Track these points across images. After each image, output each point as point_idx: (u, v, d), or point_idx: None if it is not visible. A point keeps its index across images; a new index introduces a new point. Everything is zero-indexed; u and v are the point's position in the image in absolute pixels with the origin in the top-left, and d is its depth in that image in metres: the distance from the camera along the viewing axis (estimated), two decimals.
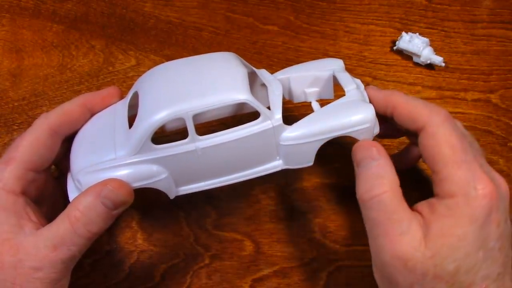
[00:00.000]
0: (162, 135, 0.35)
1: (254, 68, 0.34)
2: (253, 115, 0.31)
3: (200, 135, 0.30)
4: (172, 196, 0.33)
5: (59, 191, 0.35)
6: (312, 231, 0.39)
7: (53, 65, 0.50)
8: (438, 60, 0.47)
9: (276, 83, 0.34)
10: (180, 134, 0.32)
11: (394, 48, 0.49)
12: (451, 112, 0.30)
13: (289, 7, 0.54)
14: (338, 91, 0.35)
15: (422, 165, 0.41)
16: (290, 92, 0.37)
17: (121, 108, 0.34)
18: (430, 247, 0.26)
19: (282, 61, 0.49)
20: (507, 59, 0.49)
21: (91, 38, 0.52)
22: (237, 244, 0.39)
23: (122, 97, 0.36)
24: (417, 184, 0.39)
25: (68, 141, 0.34)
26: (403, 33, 0.48)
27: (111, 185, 0.29)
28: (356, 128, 0.31)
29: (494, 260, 0.26)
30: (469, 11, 0.53)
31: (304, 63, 0.38)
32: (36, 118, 0.33)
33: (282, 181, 0.41)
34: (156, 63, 0.49)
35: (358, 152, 0.30)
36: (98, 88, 0.48)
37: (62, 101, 0.46)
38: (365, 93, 0.34)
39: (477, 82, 0.47)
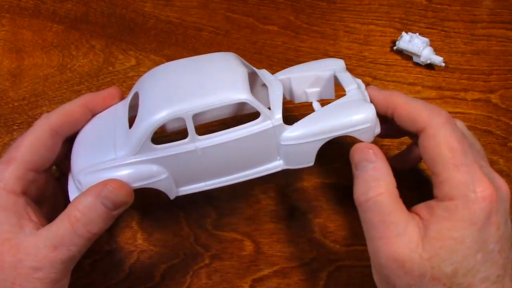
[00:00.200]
0: (162, 135, 0.35)
1: (254, 68, 0.34)
2: (253, 115, 0.31)
3: (200, 135, 0.30)
4: (172, 197, 0.33)
5: (59, 191, 0.35)
6: (312, 231, 0.39)
7: (53, 65, 0.50)
8: (438, 60, 0.47)
9: (277, 83, 0.34)
10: (180, 134, 0.32)
11: (394, 48, 0.49)
12: (451, 112, 0.30)
13: (289, 7, 0.54)
14: (339, 91, 0.35)
15: (423, 166, 0.41)
16: (291, 92, 0.37)
17: (121, 108, 0.34)
18: (428, 249, 0.26)
19: (282, 61, 0.49)
20: (507, 59, 0.49)
21: (91, 38, 0.52)
22: (237, 244, 0.39)
23: (123, 97, 0.36)
24: (417, 185, 0.39)
25: (69, 141, 0.34)
26: (403, 33, 0.48)
27: (111, 186, 0.29)
28: (357, 128, 0.31)
29: (494, 262, 0.26)
30: (469, 11, 0.53)
31: (305, 63, 0.38)
32: (36, 118, 0.33)
33: (282, 181, 0.41)
34: (156, 63, 0.49)
35: (356, 155, 0.30)
36: (98, 88, 0.48)
37: (62, 101, 0.47)
38: (366, 93, 0.33)
39: (477, 82, 0.47)
